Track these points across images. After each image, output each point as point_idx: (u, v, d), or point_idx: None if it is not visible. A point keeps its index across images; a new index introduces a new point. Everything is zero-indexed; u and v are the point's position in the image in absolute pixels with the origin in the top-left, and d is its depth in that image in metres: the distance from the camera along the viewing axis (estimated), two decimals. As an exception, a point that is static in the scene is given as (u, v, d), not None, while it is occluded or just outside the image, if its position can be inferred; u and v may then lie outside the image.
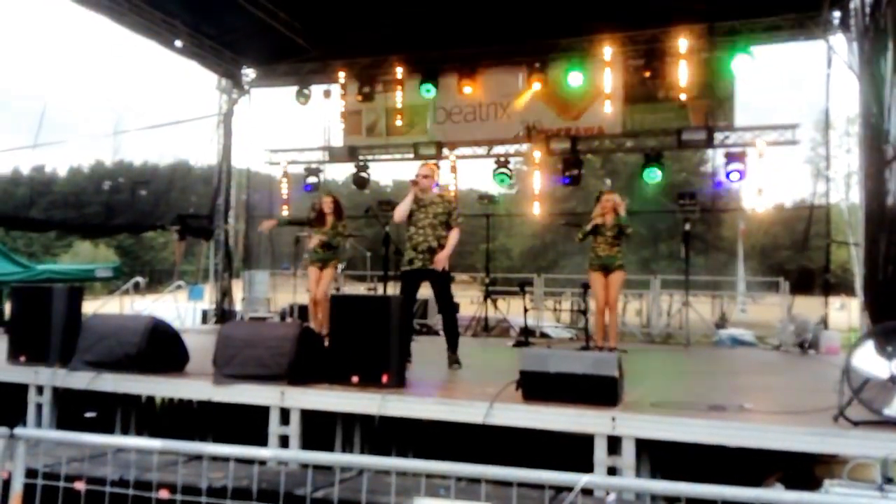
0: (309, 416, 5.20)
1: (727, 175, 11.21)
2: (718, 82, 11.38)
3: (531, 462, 3.17)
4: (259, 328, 6.40)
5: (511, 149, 12.88)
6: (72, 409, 6.10)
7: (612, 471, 4.35)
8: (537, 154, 12.29)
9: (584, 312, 9.09)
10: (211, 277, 13.44)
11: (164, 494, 3.33)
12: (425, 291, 6.82)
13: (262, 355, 5.36)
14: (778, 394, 5.94)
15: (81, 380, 5.78)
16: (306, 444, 5.13)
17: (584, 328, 8.93)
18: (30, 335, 6.20)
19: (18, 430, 3.26)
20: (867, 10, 8.22)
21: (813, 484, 3.85)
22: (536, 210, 13.30)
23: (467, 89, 12.16)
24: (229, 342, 5.56)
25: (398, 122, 13.13)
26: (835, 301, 10.77)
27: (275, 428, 5.20)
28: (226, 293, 13.26)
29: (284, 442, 5.16)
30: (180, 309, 13.05)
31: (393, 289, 8.63)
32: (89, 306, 9.65)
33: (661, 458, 4.55)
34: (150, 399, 6.62)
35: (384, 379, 5.12)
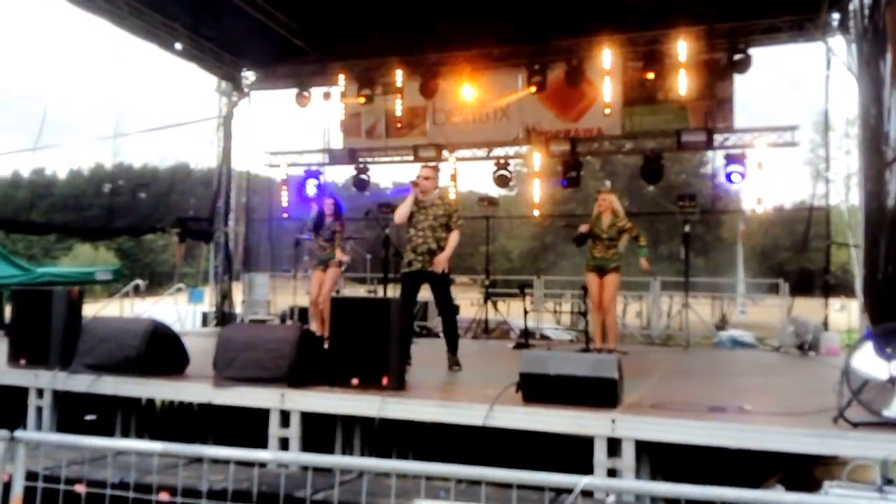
0: (309, 419, 5.20)
1: (728, 177, 11.22)
2: (718, 84, 11.40)
3: (531, 464, 3.17)
4: (259, 331, 6.40)
5: (511, 151, 12.89)
6: (72, 412, 6.10)
7: (612, 473, 4.35)
8: (537, 156, 12.30)
9: (585, 314, 9.10)
10: (211, 280, 13.45)
11: (164, 497, 3.33)
12: (425, 293, 6.82)
13: (262, 358, 5.37)
14: (778, 395, 5.93)
15: (81, 383, 5.78)
16: (306, 446, 5.13)
17: (585, 330, 8.94)
18: (30, 338, 6.20)
19: (19, 433, 3.26)
20: (866, 11, 8.23)
21: (813, 485, 3.85)
22: (536, 212, 13.32)
23: (467, 91, 12.17)
24: (229, 345, 5.57)
25: (398, 125, 13.14)
26: (835, 302, 10.78)
27: (275, 430, 5.20)
28: (226, 296, 13.27)
29: (284, 444, 5.16)
30: (180, 311, 13.06)
31: (393, 291, 8.63)
32: (89, 309, 9.66)
33: (661, 459, 4.55)
34: (151, 402, 6.61)
35: (384, 381, 5.12)
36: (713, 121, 11.50)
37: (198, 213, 13.67)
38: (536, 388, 4.76)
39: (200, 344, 7.41)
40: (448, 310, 6.84)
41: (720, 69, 11.15)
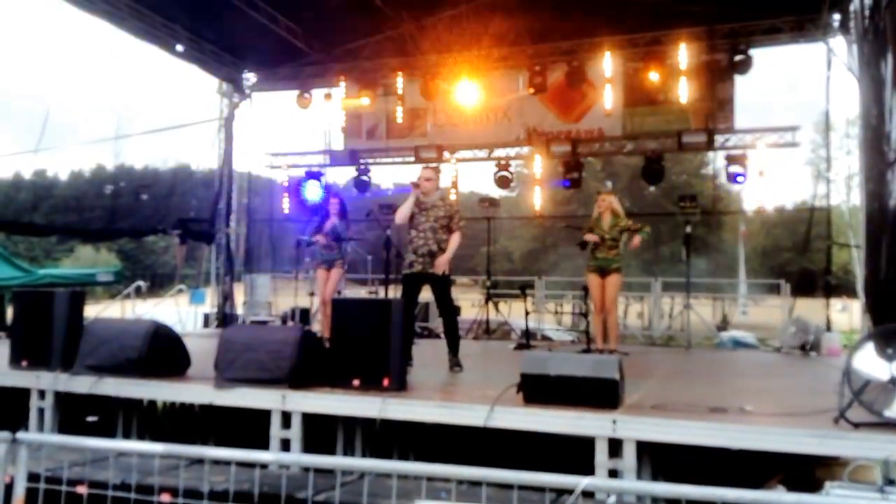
0: (310, 420, 5.21)
1: (734, 178, 11.22)
2: (719, 85, 11.39)
3: (532, 465, 3.18)
4: (260, 332, 6.40)
5: (512, 152, 12.89)
6: (74, 414, 6.11)
7: (613, 473, 4.35)
8: (538, 159, 12.31)
9: (586, 315, 9.10)
10: (212, 281, 13.46)
11: (165, 498, 3.33)
12: (427, 294, 6.82)
13: (263, 359, 5.37)
14: (779, 396, 5.94)
15: (83, 384, 5.79)
16: (308, 447, 5.13)
17: (586, 331, 8.94)
18: (32, 340, 6.21)
19: (21, 435, 3.27)
20: (866, 12, 8.22)
21: (814, 486, 3.84)
22: (538, 208, 13.32)
23: (468, 92, 12.15)
24: (231, 346, 5.57)
25: (399, 126, 13.14)
26: (836, 303, 10.76)
27: (276, 431, 5.20)
28: (227, 297, 13.27)
29: (286, 445, 5.16)
30: (182, 313, 13.07)
31: (394, 292, 8.63)
32: (91, 310, 9.67)
33: (662, 460, 4.55)
34: (152, 403, 6.62)
35: (385, 382, 5.12)
36: (714, 121, 11.49)
37: (199, 215, 13.69)
38: (537, 389, 4.76)
39: (202, 345, 7.42)
40: (449, 311, 6.84)
41: (721, 70, 11.15)
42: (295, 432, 5.16)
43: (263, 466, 4.15)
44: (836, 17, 10.01)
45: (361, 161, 13.38)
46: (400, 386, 5.25)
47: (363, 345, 5.29)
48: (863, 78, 8.38)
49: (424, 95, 12.38)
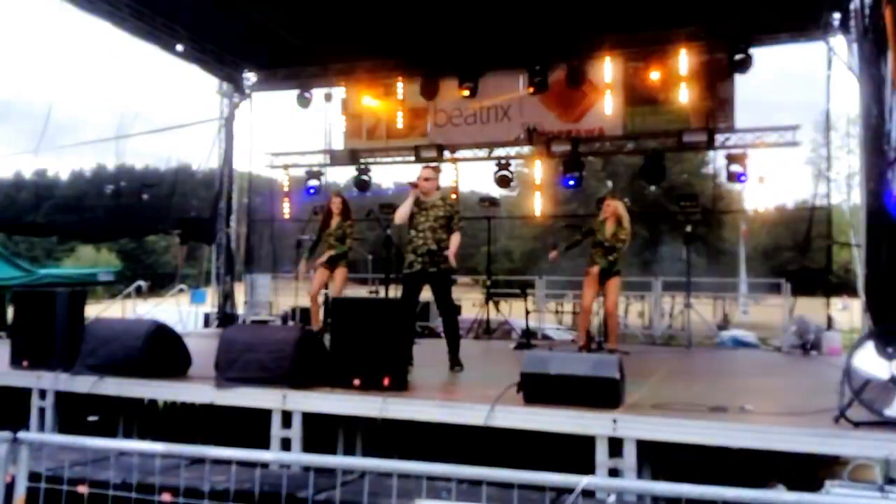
0: (311, 419, 5.21)
1: (738, 177, 11.22)
2: (719, 84, 11.39)
3: (532, 464, 3.18)
4: (261, 331, 6.41)
5: (512, 151, 12.89)
6: (74, 413, 6.12)
7: (613, 472, 4.35)
8: (538, 162, 12.31)
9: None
10: (213, 281, 13.46)
11: (166, 498, 3.34)
12: (427, 294, 6.83)
13: (263, 359, 5.38)
14: (779, 395, 5.94)
15: (84, 384, 5.79)
16: (308, 447, 5.13)
17: (586, 330, 8.94)
18: (32, 340, 6.22)
19: (21, 435, 3.27)
20: (867, 11, 8.22)
21: (814, 485, 3.85)
22: (538, 212, 13.32)
23: (468, 92, 12.16)
24: (231, 346, 5.58)
25: (399, 125, 13.14)
26: (837, 302, 10.76)
27: (277, 431, 5.21)
28: (228, 297, 13.27)
29: (286, 445, 5.17)
30: (182, 312, 13.05)
31: (394, 292, 8.63)
32: (91, 310, 9.66)
33: (662, 459, 4.56)
34: (153, 403, 6.63)
35: (386, 381, 5.13)
36: (714, 121, 11.49)
37: (200, 215, 13.68)
38: (538, 388, 4.76)
39: (202, 345, 7.41)
40: (449, 310, 6.85)
41: (721, 69, 11.14)
42: (295, 432, 5.17)
43: (264, 466, 4.15)
44: (837, 16, 10.00)
45: (362, 160, 13.38)
46: (400, 385, 5.26)
47: (364, 344, 5.30)
48: (863, 77, 8.38)
49: (424, 95, 12.38)
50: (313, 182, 13.38)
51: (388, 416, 4.94)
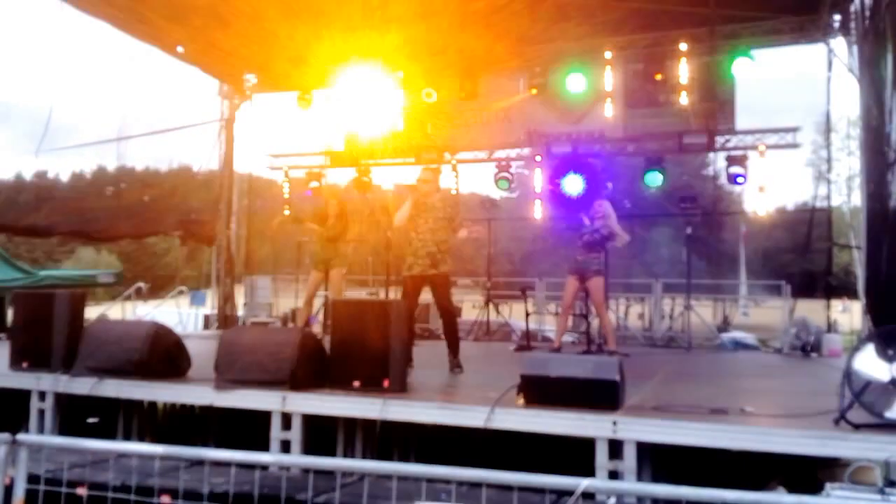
0: (310, 421, 5.21)
1: (734, 179, 11.22)
2: (719, 86, 11.38)
3: (532, 466, 3.18)
4: (261, 333, 6.41)
5: (512, 153, 12.88)
6: (74, 415, 6.11)
7: (613, 475, 4.35)
8: (538, 170, 12.30)
9: (586, 316, 9.09)
10: (213, 282, 13.45)
11: (165, 500, 3.34)
12: (427, 296, 6.83)
13: (263, 360, 5.37)
14: (779, 397, 5.93)
15: (84, 385, 5.79)
16: (308, 449, 5.13)
17: (586, 332, 8.94)
18: (32, 341, 6.21)
19: (21, 436, 3.27)
20: (867, 13, 8.22)
21: (815, 487, 3.84)
22: (538, 214, 13.30)
23: (468, 94, 12.15)
24: (231, 347, 5.58)
25: (399, 127, 13.12)
26: (837, 304, 10.75)
27: (276, 433, 5.20)
28: (228, 298, 13.27)
29: (286, 447, 5.16)
30: (182, 314, 13.07)
31: (394, 293, 8.63)
32: (91, 312, 9.67)
33: (662, 461, 4.55)
34: (153, 404, 6.62)
35: (385, 383, 5.12)
36: (714, 122, 11.49)
37: (200, 216, 13.67)
38: (538, 390, 4.76)
39: (202, 346, 7.41)
40: (449, 312, 6.84)
41: (722, 71, 11.13)
42: (295, 434, 5.16)
43: (264, 468, 4.14)
44: (837, 17, 10.01)
45: (362, 162, 13.36)
46: (400, 387, 5.25)
47: (364, 346, 5.29)
48: (863, 79, 8.38)
49: (425, 97, 12.35)
50: (314, 183, 13.37)
51: (388, 418, 4.94)
